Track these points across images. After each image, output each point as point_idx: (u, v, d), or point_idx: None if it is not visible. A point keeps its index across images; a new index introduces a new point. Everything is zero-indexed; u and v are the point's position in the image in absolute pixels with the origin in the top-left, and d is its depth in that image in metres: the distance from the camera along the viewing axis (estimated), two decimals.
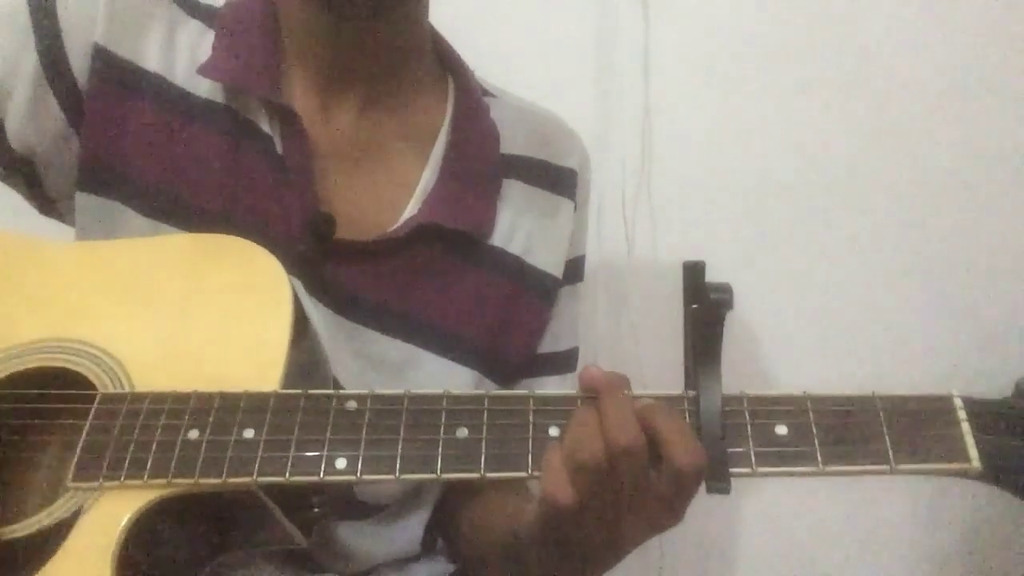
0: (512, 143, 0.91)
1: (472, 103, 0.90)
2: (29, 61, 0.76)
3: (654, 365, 1.28)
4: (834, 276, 1.28)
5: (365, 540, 0.84)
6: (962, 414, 0.58)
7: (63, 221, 0.83)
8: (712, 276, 0.60)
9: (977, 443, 0.57)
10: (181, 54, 0.80)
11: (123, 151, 0.78)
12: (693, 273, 0.59)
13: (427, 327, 0.84)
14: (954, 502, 1.27)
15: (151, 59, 0.79)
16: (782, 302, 1.28)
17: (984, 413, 0.58)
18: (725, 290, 0.57)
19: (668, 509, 0.58)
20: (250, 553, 0.71)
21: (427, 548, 0.91)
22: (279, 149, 0.79)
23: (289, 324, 0.67)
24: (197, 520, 0.65)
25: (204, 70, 0.79)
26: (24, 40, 0.76)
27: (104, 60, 0.77)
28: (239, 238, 0.73)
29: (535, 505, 0.62)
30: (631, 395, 0.60)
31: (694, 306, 0.59)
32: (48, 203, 0.83)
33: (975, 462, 0.57)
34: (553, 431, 0.60)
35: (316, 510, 0.68)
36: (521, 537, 0.68)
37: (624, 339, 1.32)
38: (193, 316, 0.69)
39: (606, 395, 0.58)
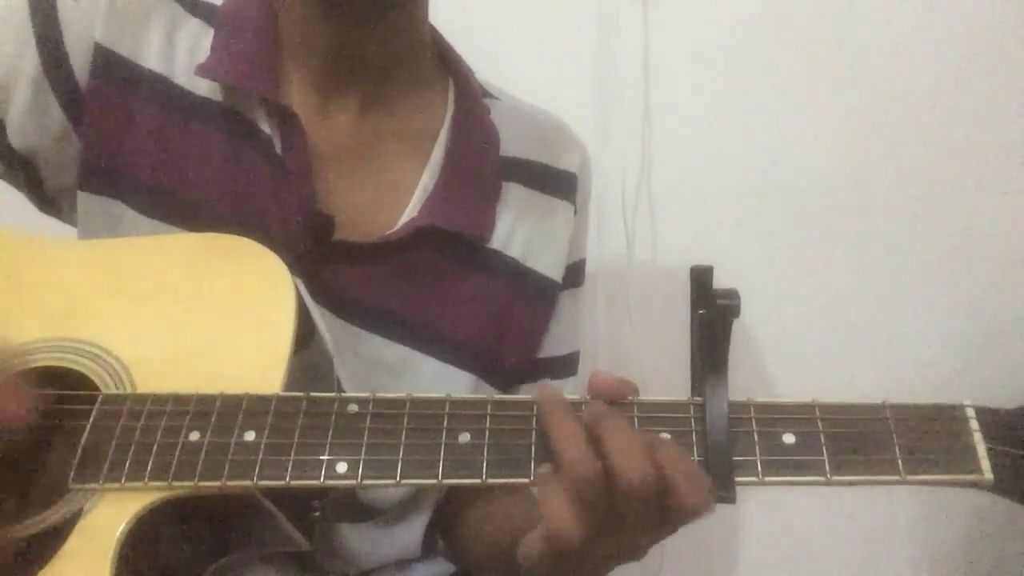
0: (512, 145, 0.91)
1: (472, 104, 0.89)
2: (30, 60, 0.76)
3: (654, 366, 1.28)
4: (836, 276, 1.27)
5: (366, 541, 0.83)
6: (974, 424, 0.56)
7: (63, 220, 0.83)
8: (712, 273, 0.59)
9: (990, 455, 0.55)
10: (181, 53, 0.80)
11: (123, 150, 0.77)
12: (700, 278, 0.58)
13: (425, 330, 0.83)
14: (954, 501, 1.27)
15: (151, 58, 0.79)
16: (783, 303, 1.28)
17: (997, 424, 0.56)
18: (733, 296, 0.56)
19: (667, 527, 0.57)
20: (251, 556, 0.70)
21: (427, 549, 0.90)
22: (278, 149, 0.78)
23: (292, 326, 0.67)
24: (198, 522, 0.65)
25: (202, 70, 0.78)
26: (25, 39, 0.76)
27: (105, 59, 0.77)
28: (243, 238, 0.72)
29: (538, 539, 0.58)
30: (638, 401, 0.59)
31: (701, 311, 0.58)
32: (48, 201, 0.82)
33: (987, 474, 0.55)
34: None
35: (317, 513, 0.68)
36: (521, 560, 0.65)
37: (624, 340, 1.32)
38: (196, 316, 0.69)
39: (609, 425, 0.55)
